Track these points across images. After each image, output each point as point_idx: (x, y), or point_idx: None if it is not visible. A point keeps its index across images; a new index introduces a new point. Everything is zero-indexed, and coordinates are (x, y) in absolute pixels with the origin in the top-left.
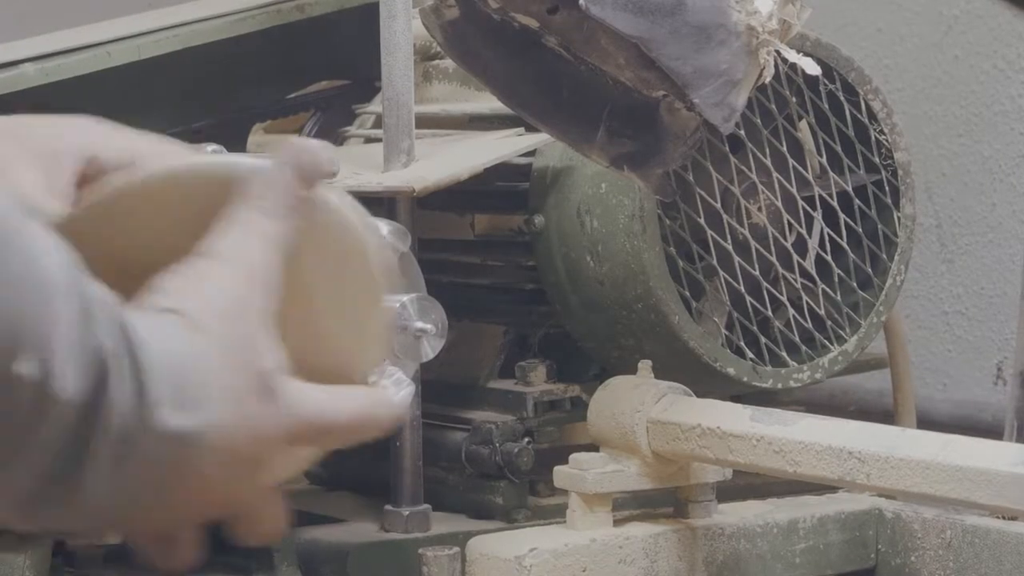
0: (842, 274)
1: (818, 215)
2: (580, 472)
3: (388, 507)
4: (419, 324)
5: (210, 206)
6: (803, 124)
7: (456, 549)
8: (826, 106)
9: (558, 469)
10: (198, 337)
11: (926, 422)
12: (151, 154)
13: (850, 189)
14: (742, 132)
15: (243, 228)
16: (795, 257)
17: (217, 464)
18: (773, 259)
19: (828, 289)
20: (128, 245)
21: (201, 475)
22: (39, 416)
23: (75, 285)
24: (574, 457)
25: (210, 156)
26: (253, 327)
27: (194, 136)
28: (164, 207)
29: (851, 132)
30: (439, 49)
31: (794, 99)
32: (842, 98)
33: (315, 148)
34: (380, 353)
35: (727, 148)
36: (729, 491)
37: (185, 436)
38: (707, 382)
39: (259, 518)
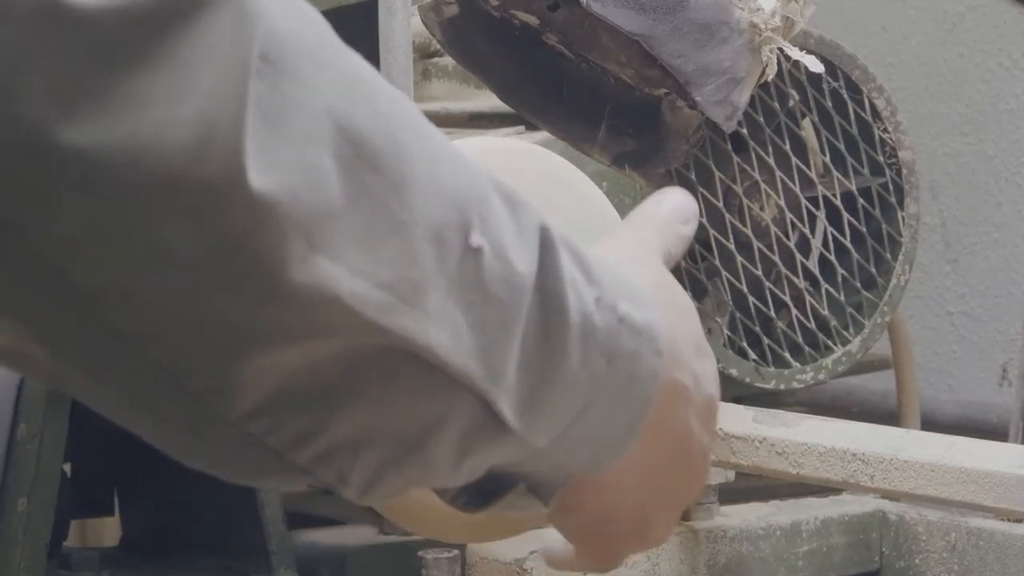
0: (846, 274)
1: (821, 214)
2: None
3: None
4: None
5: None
6: (806, 122)
7: (456, 551)
8: (829, 104)
9: None
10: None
11: (930, 423)
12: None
13: (854, 189)
14: (744, 131)
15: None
16: (798, 257)
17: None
18: (776, 259)
19: (831, 289)
20: None
21: (678, 391)
22: (512, 297)
23: (495, 181)
24: None
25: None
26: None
27: None
28: None
29: (855, 130)
30: (438, 47)
31: (797, 97)
32: (845, 96)
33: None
34: None
35: (729, 147)
36: (731, 493)
37: (647, 330)
38: None
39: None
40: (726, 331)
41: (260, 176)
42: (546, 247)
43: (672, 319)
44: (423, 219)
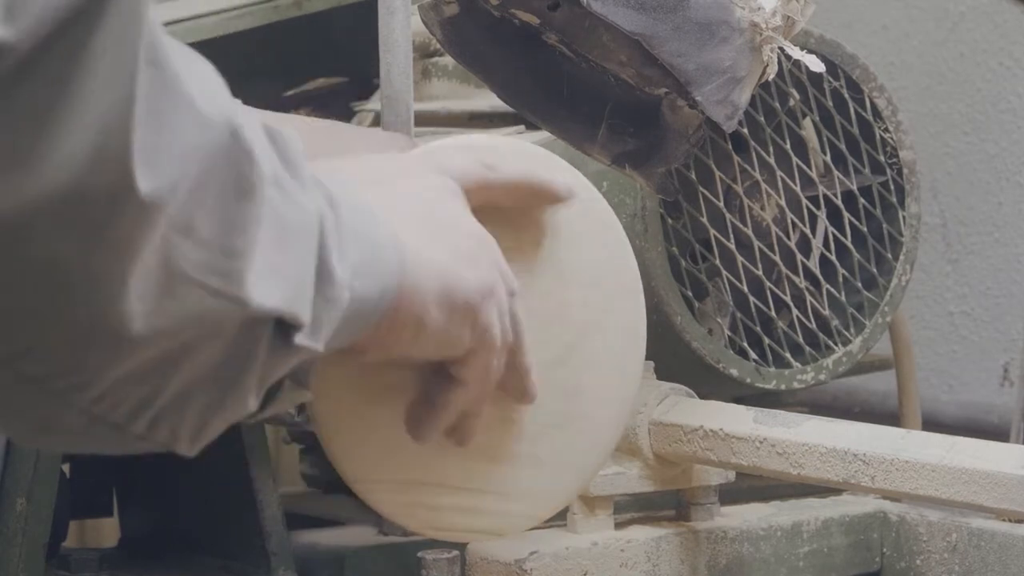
0: (846, 274)
1: (822, 214)
2: None
3: None
4: None
5: None
6: (807, 122)
7: (456, 552)
8: (830, 104)
9: None
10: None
11: (931, 424)
12: None
13: (855, 188)
14: (745, 130)
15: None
16: (799, 257)
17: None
18: (777, 259)
19: (832, 289)
20: None
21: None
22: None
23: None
24: None
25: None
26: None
27: None
28: None
29: (856, 130)
30: (438, 46)
31: (798, 96)
32: (846, 95)
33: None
34: None
35: (730, 146)
36: (732, 494)
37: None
38: (710, 383)
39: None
40: (727, 331)
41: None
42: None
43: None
44: None
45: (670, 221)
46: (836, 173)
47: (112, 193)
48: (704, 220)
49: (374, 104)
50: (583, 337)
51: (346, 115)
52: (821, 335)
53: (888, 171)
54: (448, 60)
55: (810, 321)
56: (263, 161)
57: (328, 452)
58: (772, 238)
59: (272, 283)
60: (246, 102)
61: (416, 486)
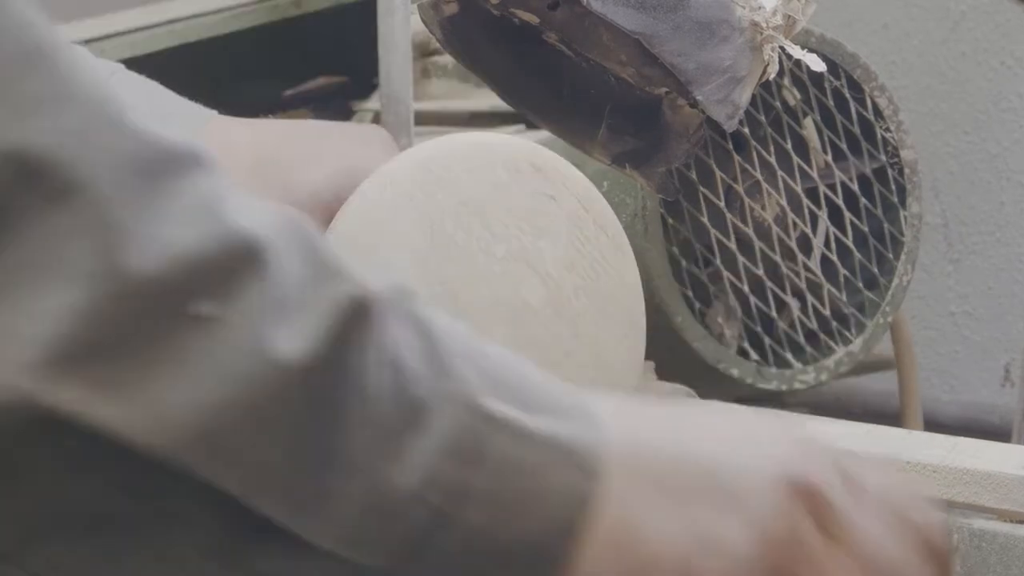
0: (847, 274)
1: (823, 214)
2: None
3: None
4: None
5: None
6: (808, 121)
7: None
8: (831, 103)
9: None
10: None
11: (933, 424)
12: None
13: (855, 187)
14: (746, 130)
15: None
16: (800, 257)
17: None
18: (778, 259)
19: (833, 289)
20: None
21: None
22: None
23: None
24: None
25: None
26: None
27: None
28: None
29: (856, 129)
30: (438, 45)
31: (798, 96)
32: (847, 95)
33: None
34: None
35: (730, 146)
36: None
37: (563, 444)
38: (711, 384)
39: None
40: (737, 339)
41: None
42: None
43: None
44: None
45: (671, 221)
46: (837, 172)
47: None
48: (705, 220)
49: (373, 103)
50: (582, 338)
51: (345, 114)
52: (822, 335)
53: (889, 171)
54: (448, 59)
55: (811, 321)
56: None
57: None
58: (773, 238)
59: None
60: (245, 101)
61: None
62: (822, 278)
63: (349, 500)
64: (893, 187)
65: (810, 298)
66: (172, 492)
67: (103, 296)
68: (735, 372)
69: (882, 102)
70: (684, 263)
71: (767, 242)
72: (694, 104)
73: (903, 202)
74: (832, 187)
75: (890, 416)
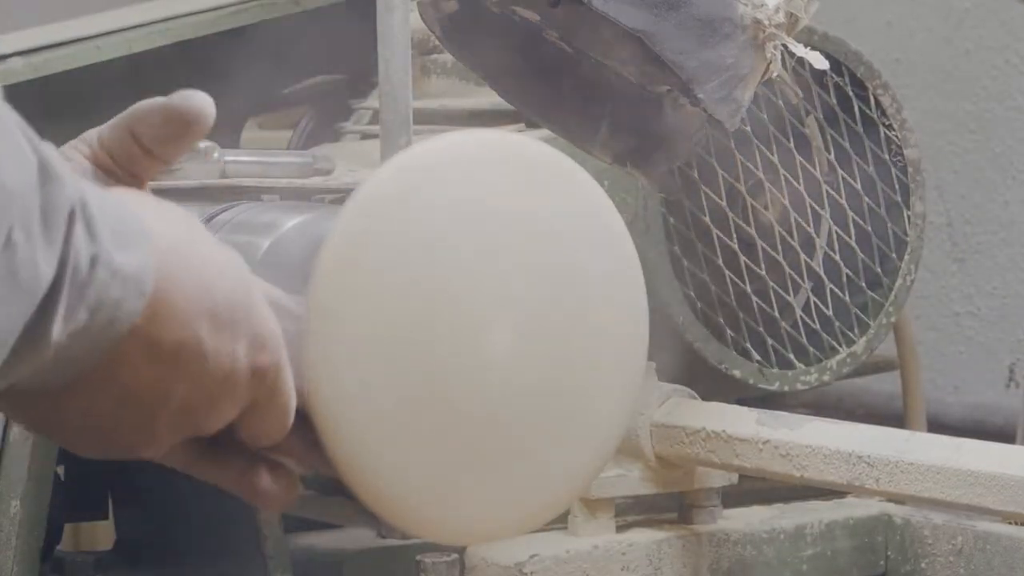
0: (850, 274)
1: (826, 213)
2: None
3: None
4: None
5: None
6: (810, 120)
7: (455, 555)
8: (834, 102)
9: None
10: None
11: (937, 425)
12: None
13: (858, 186)
14: (748, 128)
15: None
16: (803, 256)
17: (180, 315)
18: (780, 258)
19: (836, 289)
20: None
21: (167, 328)
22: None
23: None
24: None
25: None
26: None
27: None
28: None
29: (860, 128)
30: (437, 43)
31: (801, 94)
32: (851, 93)
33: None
34: None
35: (733, 145)
36: (734, 496)
37: (135, 276)
38: (712, 384)
39: (272, 430)
40: (729, 331)
41: None
42: (69, 226)
43: (176, 268)
44: None
45: (672, 220)
46: (840, 171)
47: None
48: (707, 219)
49: (372, 102)
50: (582, 338)
51: (344, 112)
52: (825, 336)
53: (892, 170)
54: (447, 57)
55: (814, 321)
56: None
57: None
58: (775, 237)
59: None
60: (245, 100)
61: None
62: (825, 278)
63: None
64: (897, 186)
65: (813, 298)
66: None
67: None
68: (737, 373)
69: (885, 100)
70: (686, 263)
71: (769, 242)
72: (696, 102)
73: (907, 201)
74: (835, 186)
75: (893, 417)
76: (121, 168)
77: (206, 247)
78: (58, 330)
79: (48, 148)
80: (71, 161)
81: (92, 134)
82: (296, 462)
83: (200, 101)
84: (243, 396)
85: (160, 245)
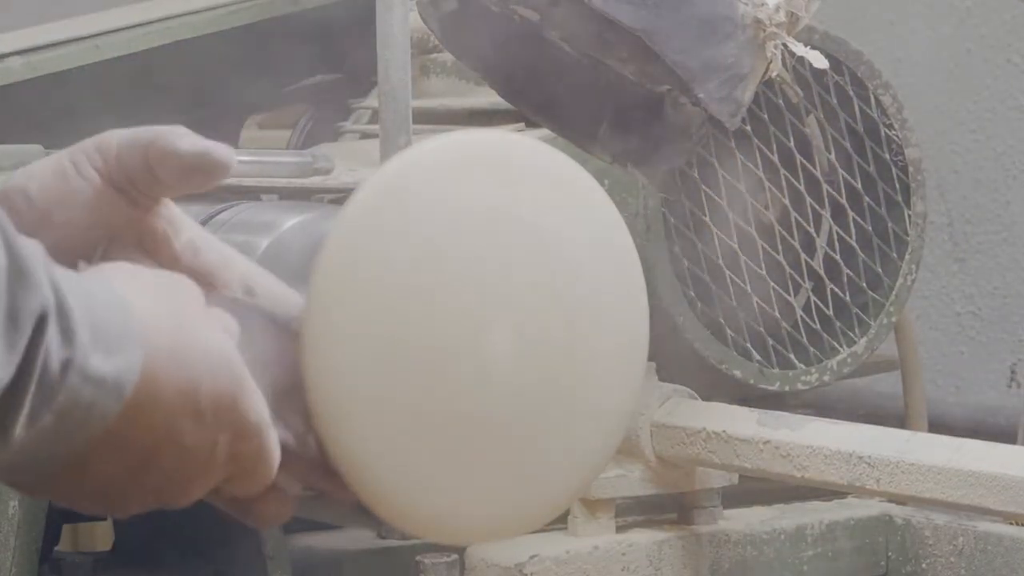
0: (851, 274)
1: (827, 213)
2: None
3: None
4: None
5: None
6: (811, 120)
7: (455, 556)
8: (835, 101)
9: None
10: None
11: (938, 426)
12: None
13: (859, 185)
14: (748, 128)
15: None
16: (803, 256)
17: (161, 415)
18: (780, 258)
19: (837, 289)
20: None
21: (147, 427)
22: None
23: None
24: None
25: None
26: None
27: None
28: None
29: (860, 128)
30: (437, 42)
31: (801, 94)
32: (851, 93)
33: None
34: None
35: (733, 144)
36: (735, 496)
37: (113, 380)
38: (712, 385)
39: (252, 491)
40: (729, 331)
41: None
42: (38, 331)
43: (165, 361)
44: None
45: (672, 220)
46: (840, 171)
47: None
48: (707, 219)
49: (372, 101)
50: (582, 338)
51: (343, 112)
52: (825, 336)
53: (893, 169)
54: (447, 56)
55: (814, 321)
56: None
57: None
58: (776, 237)
59: None
60: (243, 98)
61: None
62: (825, 278)
63: None
64: (897, 186)
65: (813, 298)
66: None
67: None
68: (737, 373)
69: (886, 100)
70: (686, 262)
71: (770, 241)
72: (696, 102)
73: (907, 201)
74: (835, 185)
75: (894, 418)
76: (135, 190)
77: (199, 335)
78: (20, 430)
79: (28, 246)
80: (82, 178)
81: (110, 143)
82: (293, 483)
83: (221, 156)
84: (220, 476)
85: (150, 341)
